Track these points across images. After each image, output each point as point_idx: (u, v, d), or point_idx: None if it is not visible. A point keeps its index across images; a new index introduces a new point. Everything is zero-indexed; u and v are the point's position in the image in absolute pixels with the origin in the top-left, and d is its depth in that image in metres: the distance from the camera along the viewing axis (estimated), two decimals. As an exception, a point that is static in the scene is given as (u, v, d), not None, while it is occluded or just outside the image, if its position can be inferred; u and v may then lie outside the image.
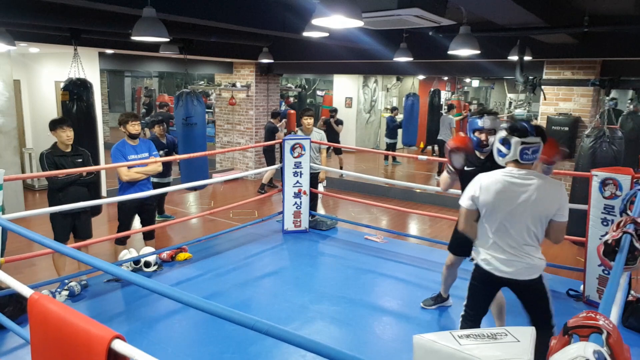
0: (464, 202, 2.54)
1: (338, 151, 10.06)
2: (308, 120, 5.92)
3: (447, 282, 3.83)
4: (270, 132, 8.57)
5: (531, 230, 2.43)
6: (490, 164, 3.03)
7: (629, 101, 7.69)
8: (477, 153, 3.22)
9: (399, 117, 11.58)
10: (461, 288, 4.44)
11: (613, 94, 5.62)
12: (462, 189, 3.30)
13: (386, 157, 11.93)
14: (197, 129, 6.24)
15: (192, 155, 5.51)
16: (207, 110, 15.66)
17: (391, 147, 11.36)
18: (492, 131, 3.07)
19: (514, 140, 2.35)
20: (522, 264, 2.45)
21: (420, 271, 4.80)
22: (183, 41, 6.40)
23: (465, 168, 3.20)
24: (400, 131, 11.75)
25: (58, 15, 4.69)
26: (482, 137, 3.12)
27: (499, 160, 2.48)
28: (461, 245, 3.44)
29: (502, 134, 2.42)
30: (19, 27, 5.24)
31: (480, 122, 3.12)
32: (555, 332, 2.67)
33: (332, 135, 9.54)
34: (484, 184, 2.44)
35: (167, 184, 6.37)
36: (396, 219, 7.41)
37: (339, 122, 10.41)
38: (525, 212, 2.39)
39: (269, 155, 8.71)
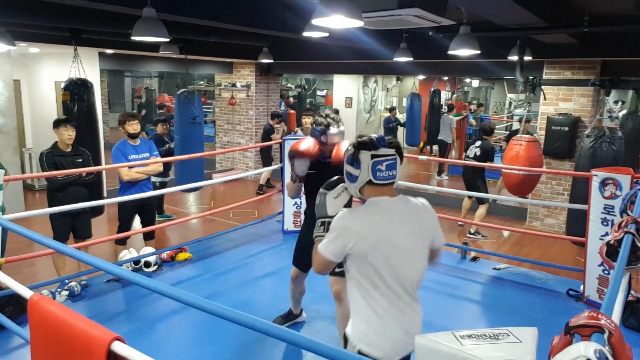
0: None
1: (338, 151, 10.03)
2: (307, 120, 5.94)
3: (295, 296, 3.54)
4: (266, 133, 8.55)
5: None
6: (334, 166, 2.88)
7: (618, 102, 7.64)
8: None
9: (398, 116, 11.57)
10: (461, 288, 4.45)
11: (614, 94, 5.63)
12: (307, 194, 3.18)
13: None
14: (201, 128, 6.23)
15: (193, 155, 5.50)
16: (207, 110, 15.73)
17: None
18: (334, 145, 2.94)
19: (363, 155, 1.85)
20: None
21: (420, 271, 4.80)
22: (183, 41, 6.39)
23: (308, 170, 3.05)
24: (400, 131, 11.74)
25: (58, 15, 4.69)
26: (326, 150, 2.97)
27: (349, 188, 1.95)
28: (305, 259, 3.22)
29: (349, 152, 1.91)
30: (19, 27, 5.23)
31: (322, 138, 2.93)
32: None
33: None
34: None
35: (166, 183, 6.37)
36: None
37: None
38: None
39: (265, 156, 8.70)
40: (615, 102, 10.59)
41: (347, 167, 1.92)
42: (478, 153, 6.13)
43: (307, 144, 2.95)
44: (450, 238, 6.18)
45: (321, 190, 2.04)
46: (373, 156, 1.84)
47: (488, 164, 6.08)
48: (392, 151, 1.88)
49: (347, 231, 1.82)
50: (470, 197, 6.36)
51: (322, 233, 1.96)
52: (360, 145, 1.87)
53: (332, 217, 1.94)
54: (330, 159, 2.98)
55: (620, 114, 5.26)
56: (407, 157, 13.24)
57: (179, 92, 6.23)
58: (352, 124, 13.60)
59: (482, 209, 6.07)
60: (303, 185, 3.14)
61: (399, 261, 1.85)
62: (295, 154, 2.93)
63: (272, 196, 7.41)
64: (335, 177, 2.06)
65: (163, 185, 6.34)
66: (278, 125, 8.48)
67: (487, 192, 6.21)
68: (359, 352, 1.81)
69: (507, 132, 12.06)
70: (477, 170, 6.12)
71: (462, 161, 6.24)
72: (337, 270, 3.05)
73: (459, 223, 6.59)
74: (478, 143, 6.21)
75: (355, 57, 7.51)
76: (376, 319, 1.82)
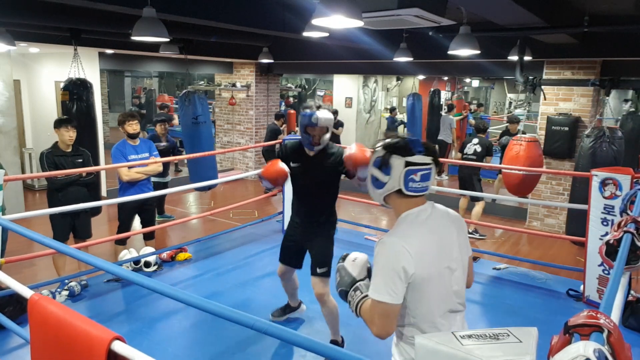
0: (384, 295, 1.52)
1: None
2: None
3: (288, 291, 3.57)
4: (274, 134, 8.56)
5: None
6: (318, 161, 2.96)
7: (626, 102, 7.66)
8: (307, 150, 3.01)
9: (399, 116, 11.57)
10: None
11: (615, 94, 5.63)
12: (293, 188, 3.18)
13: None
14: (206, 127, 6.22)
15: (191, 155, 5.50)
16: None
17: None
18: (326, 129, 2.88)
19: (396, 161, 1.59)
20: None
21: (420, 271, 4.80)
22: (183, 41, 6.39)
23: (292, 164, 3.05)
24: (401, 130, 11.73)
25: (58, 15, 4.69)
26: (315, 134, 2.89)
27: (374, 194, 1.70)
28: (289, 254, 3.31)
29: (379, 153, 1.65)
30: (19, 27, 5.24)
31: (312, 118, 2.82)
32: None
33: (333, 137, 9.51)
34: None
35: (166, 184, 6.37)
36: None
37: (340, 125, 10.37)
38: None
39: (271, 157, 8.70)
40: (625, 101, 10.58)
41: (374, 171, 1.65)
42: (478, 149, 6.15)
43: (277, 171, 2.92)
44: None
45: (338, 265, 1.78)
46: (407, 163, 1.58)
47: (488, 159, 6.11)
48: (429, 159, 1.61)
49: (401, 256, 1.51)
50: (465, 196, 6.36)
51: (363, 293, 1.63)
52: (394, 148, 1.61)
53: (362, 279, 1.67)
54: (317, 147, 2.94)
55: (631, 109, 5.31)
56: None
57: (181, 93, 6.25)
58: (352, 124, 13.59)
59: (478, 207, 6.08)
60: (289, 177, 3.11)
61: (457, 280, 1.65)
62: (264, 177, 2.95)
63: (272, 196, 7.40)
64: (344, 254, 1.81)
65: (162, 186, 6.34)
66: (283, 127, 8.48)
67: (481, 190, 6.21)
68: None
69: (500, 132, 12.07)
70: (474, 168, 6.14)
71: (462, 161, 6.22)
72: (318, 270, 3.07)
73: None
74: (476, 140, 6.24)
75: (355, 57, 7.51)
76: None
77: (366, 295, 1.60)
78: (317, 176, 3.05)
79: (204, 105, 6.14)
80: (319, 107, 2.89)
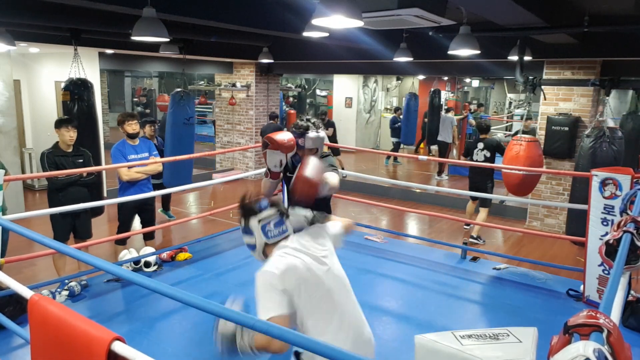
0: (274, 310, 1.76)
1: (336, 152, 10.04)
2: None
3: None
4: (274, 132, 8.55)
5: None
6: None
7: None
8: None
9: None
10: (461, 288, 4.45)
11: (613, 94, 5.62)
12: (288, 195, 3.02)
13: (388, 158, 11.94)
14: (193, 129, 6.19)
15: (191, 155, 5.50)
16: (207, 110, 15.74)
17: (397, 146, 11.40)
18: (315, 150, 2.86)
19: (253, 222, 1.96)
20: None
21: (420, 271, 4.80)
22: (183, 41, 6.39)
23: (288, 174, 2.98)
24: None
25: (58, 15, 4.69)
26: (302, 154, 2.88)
27: (255, 256, 2.04)
28: None
29: (241, 223, 2.01)
30: (19, 27, 5.24)
31: (300, 141, 2.82)
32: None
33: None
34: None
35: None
36: (396, 219, 7.41)
37: (330, 125, 10.26)
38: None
39: None
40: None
41: (245, 238, 2.02)
42: (487, 155, 5.91)
43: (283, 136, 2.80)
44: (451, 238, 6.19)
45: (216, 335, 1.90)
46: (259, 220, 1.95)
47: (499, 162, 5.92)
48: (273, 211, 1.97)
49: (274, 278, 1.81)
50: (474, 200, 6.24)
51: (250, 331, 1.78)
52: (247, 213, 1.97)
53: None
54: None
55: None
56: (407, 157, 13.26)
57: (173, 92, 6.13)
58: (352, 124, 13.61)
59: (483, 214, 5.90)
60: (281, 184, 3.07)
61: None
62: (267, 144, 2.79)
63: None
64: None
65: (161, 186, 6.33)
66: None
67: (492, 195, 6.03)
68: None
69: (513, 132, 12.04)
70: (487, 174, 5.89)
71: (462, 161, 6.21)
72: None
73: (465, 226, 6.55)
74: (481, 145, 5.98)
75: (355, 57, 7.51)
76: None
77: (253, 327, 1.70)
78: None
79: (191, 107, 6.11)
80: (307, 128, 2.85)
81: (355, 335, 1.95)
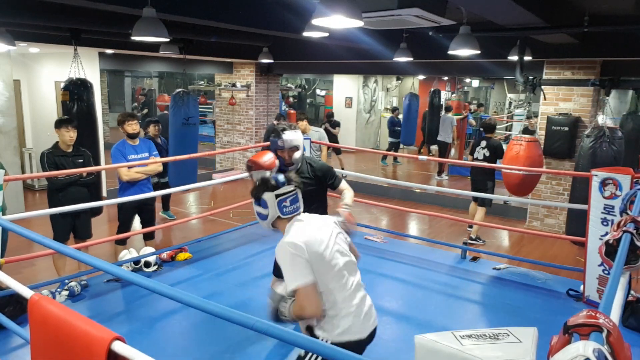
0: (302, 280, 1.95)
1: (337, 151, 10.07)
2: (300, 123, 6.04)
3: None
4: None
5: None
6: (315, 182, 3.06)
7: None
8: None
9: (400, 117, 11.56)
10: (461, 288, 4.45)
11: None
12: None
13: (384, 157, 11.95)
14: (195, 129, 6.22)
15: (191, 155, 5.50)
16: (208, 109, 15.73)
17: (394, 146, 11.40)
18: (295, 148, 3.01)
19: (268, 196, 2.10)
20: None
21: (420, 271, 4.80)
22: (183, 41, 6.40)
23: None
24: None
25: (58, 15, 4.69)
26: (285, 155, 3.02)
27: (262, 224, 2.21)
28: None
29: (252, 192, 2.17)
30: (19, 27, 5.24)
31: (279, 142, 2.99)
32: None
33: (330, 137, 9.57)
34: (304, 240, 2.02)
35: (166, 184, 6.38)
36: (396, 219, 7.41)
37: (336, 125, 10.44)
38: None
39: None
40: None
41: (256, 207, 2.17)
42: (487, 154, 5.89)
43: (264, 157, 3.00)
44: (451, 238, 6.19)
45: (268, 300, 2.14)
46: (277, 196, 2.08)
47: (499, 162, 5.91)
48: (291, 188, 2.12)
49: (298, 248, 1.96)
50: (475, 200, 6.22)
51: (288, 301, 2.02)
52: (263, 185, 2.11)
53: (290, 296, 2.03)
54: (291, 167, 3.03)
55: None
56: (407, 157, 13.24)
57: (174, 93, 6.22)
58: (352, 124, 13.60)
59: (481, 213, 5.87)
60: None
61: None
62: (251, 167, 2.99)
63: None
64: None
65: (164, 185, 6.35)
66: None
67: (492, 194, 6.01)
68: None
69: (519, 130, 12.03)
70: (487, 173, 5.86)
71: (462, 161, 6.21)
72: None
73: (468, 227, 6.52)
74: (483, 143, 5.95)
75: (355, 57, 7.51)
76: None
77: (292, 299, 1.99)
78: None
79: (196, 107, 6.16)
80: (283, 130, 3.01)
81: (364, 303, 2.13)
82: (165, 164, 6.20)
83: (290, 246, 1.96)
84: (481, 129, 6.58)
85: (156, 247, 4.91)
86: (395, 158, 11.90)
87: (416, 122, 10.96)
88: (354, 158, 12.56)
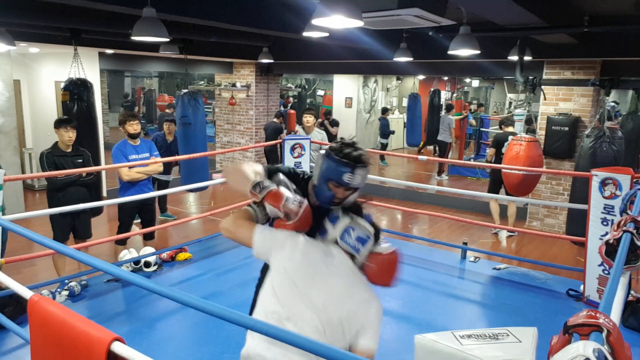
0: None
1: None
2: (308, 118, 5.95)
3: None
4: (277, 132, 8.56)
5: None
6: (319, 215, 1.93)
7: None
8: (313, 198, 2.00)
9: (399, 117, 11.60)
10: (461, 288, 4.46)
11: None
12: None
13: (383, 158, 12.01)
14: (192, 129, 6.24)
15: (191, 155, 5.51)
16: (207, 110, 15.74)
17: (384, 147, 11.52)
18: (356, 189, 1.96)
19: (344, 219, 1.84)
20: None
21: (420, 271, 4.80)
22: (183, 41, 6.40)
23: None
24: (401, 131, 11.75)
25: (58, 15, 4.68)
26: (339, 193, 1.92)
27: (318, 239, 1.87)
28: None
29: (336, 212, 1.87)
30: (19, 27, 5.23)
31: (346, 177, 1.87)
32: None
33: (329, 137, 9.58)
34: None
35: (167, 182, 6.38)
36: (396, 219, 7.41)
37: (335, 124, 10.43)
38: None
39: (273, 157, 8.69)
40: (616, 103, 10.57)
41: (326, 223, 1.92)
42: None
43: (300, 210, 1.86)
44: (451, 238, 6.19)
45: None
46: (351, 221, 1.96)
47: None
48: (368, 225, 1.99)
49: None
50: (495, 199, 6.24)
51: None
52: (347, 209, 1.98)
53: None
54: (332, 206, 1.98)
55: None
56: (407, 157, 13.26)
57: (181, 93, 6.33)
58: (352, 124, 13.59)
59: (512, 207, 6.09)
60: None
61: None
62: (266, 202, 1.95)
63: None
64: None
65: (165, 184, 6.35)
66: (282, 125, 8.52)
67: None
68: None
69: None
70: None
71: (462, 161, 6.21)
72: None
73: (493, 231, 6.50)
74: (511, 138, 5.83)
75: (355, 57, 7.51)
76: None
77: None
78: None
79: (193, 107, 6.18)
80: (359, 158, 1.90)
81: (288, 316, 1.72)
82: (167, 163, 6.25)
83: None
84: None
85: (156, 247, 4.91)
86: (382, 159, 11.97)
87: (420, 123, 10.97)
88: (353, 158, 12.54)
